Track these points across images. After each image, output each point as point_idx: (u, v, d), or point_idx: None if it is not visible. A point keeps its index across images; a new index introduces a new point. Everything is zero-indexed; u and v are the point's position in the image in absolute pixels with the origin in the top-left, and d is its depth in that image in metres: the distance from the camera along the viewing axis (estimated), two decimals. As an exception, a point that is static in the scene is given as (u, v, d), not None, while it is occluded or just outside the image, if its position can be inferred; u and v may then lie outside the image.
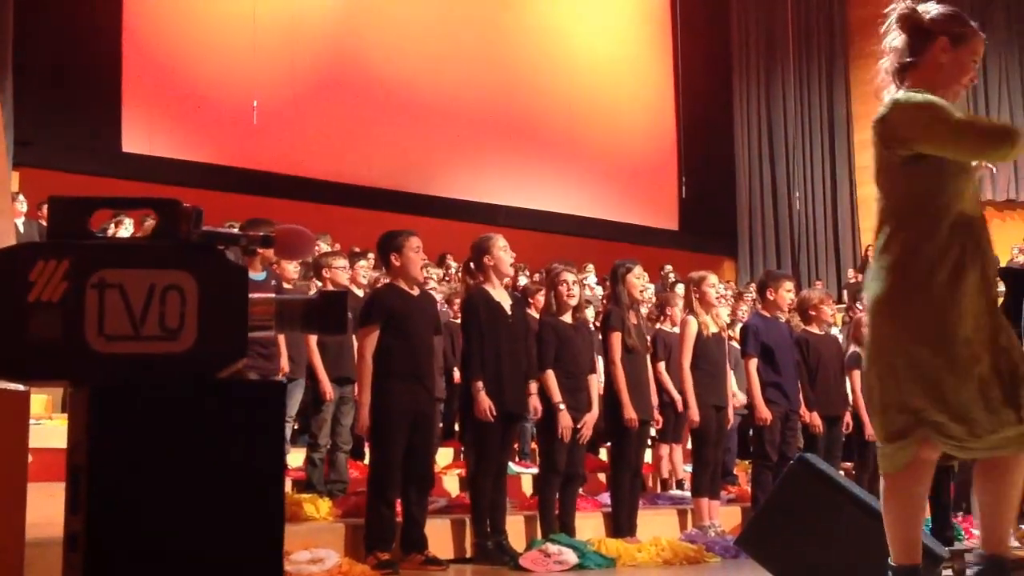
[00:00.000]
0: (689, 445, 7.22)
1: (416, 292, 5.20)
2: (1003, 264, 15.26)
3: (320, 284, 6.72)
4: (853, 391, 7.51)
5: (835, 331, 8.39)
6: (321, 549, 4.66)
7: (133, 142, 12.81)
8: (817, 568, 4.20)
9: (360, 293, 6.60)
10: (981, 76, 18.67)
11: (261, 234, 2.18)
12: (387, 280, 5.40)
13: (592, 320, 7.69)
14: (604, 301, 8.79)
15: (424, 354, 5.09)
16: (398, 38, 15.51)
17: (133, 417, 1.90)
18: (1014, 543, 6.41)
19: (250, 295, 2.04)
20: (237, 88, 13.52)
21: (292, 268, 6.86)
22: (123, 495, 1.87)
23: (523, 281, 10.78)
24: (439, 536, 5.35)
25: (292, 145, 13.96)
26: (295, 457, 6.78)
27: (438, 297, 8.38)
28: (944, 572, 4.57)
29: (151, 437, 1.91)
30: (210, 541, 1.92)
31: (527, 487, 7.10)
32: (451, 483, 6.91)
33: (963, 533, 6.98)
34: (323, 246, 10.75)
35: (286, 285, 6.32)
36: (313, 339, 6.12)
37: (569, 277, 5.80)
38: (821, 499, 4.24)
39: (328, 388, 6.20)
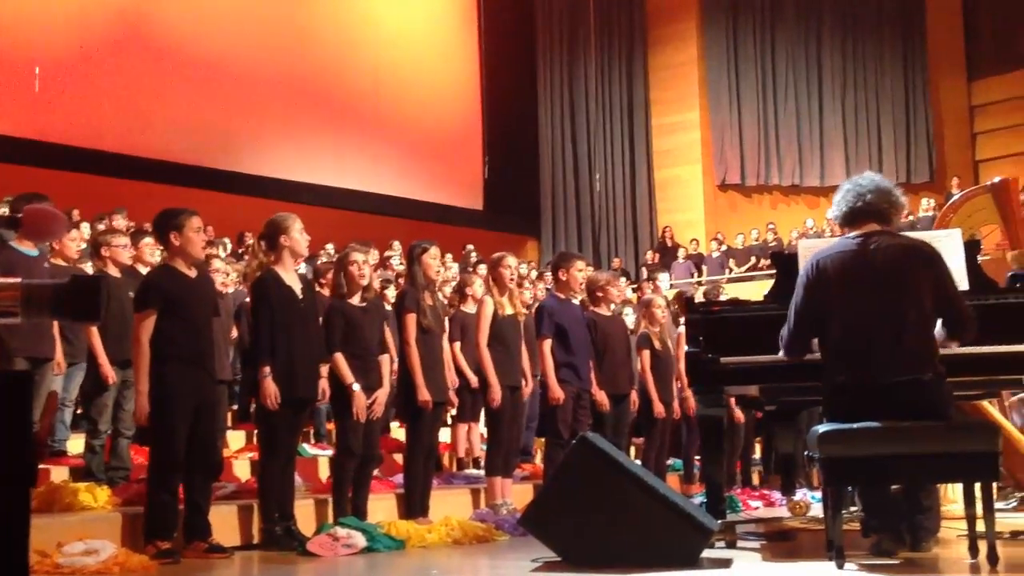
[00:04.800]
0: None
1: (194, 274, 5.03)
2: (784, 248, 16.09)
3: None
4: (643, 370, 7.77)
5: (628, 311, 8.62)
6: (97, 540, 4.48)
7: (-101, 108, 11.93)
8: (598, 545, 4.31)
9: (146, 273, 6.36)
10: (770, 67, 19.63)
11: (6, 215, 2.07)
12: (164, 261, 5.18)
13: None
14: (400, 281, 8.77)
15: (204, 337, 4.94)
16: (197, 2, 14.98)
17: None
18: (786, 513, 6.81)
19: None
20: (16, 52, 12.75)
21: (74, 246, 6.56)
22: None
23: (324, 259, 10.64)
24: (225, 523, 5.22)
25: (80, 115, 13.30)
26: (75, 443, 6.51)
27: (234, 277, 8.18)
28: (717, 543, 4.80)
29: None
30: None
31: (323, 470, 7.02)
32: (242, 468, 6.76)
33: (740, 505, 7.34)
34: (120, 221, 10.30)
35: (62, 263, 6.04)
36: (93, 320, 5.85)
37: (359, 258, 5.74)
38: (601, 478, 4.35)
39: (109, 372, 5.96)
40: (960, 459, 3.91)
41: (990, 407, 6.51)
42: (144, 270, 6.50)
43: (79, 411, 6.82)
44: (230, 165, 15.07)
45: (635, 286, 13.97)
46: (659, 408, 7.71)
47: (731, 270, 17.80)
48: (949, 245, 4.66)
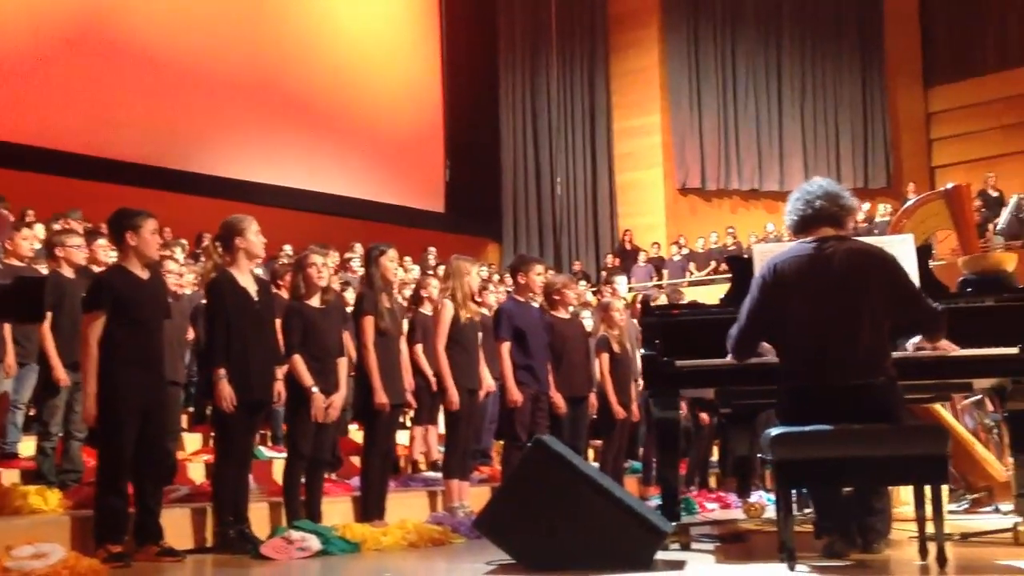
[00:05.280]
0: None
1: (147, 275, 4.97)
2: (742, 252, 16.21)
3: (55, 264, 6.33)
4: (601, 373, 7.79)
5: (586, 314, 8.65)
6: (46, 543, 4.42)
7: None
8: (552, 548, 4.31)
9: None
10: (730, 73, 19.77)
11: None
12: (117, 261, 5.11)
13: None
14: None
15: (155, 339, 4.89)
16: (155, 1, 14.83)
17: None
18: (741, 516, 6.85)
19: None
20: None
21: (27, 245, 6.49)
22: None
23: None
24: (179, 526, 5.18)
25: (35, 114, 13.14)
26: (27, 446, 6.43)
27: (190, 278, 8.11)
28: (672, 545, 4.82)
29: None
30: None
31: (278, 472, 6.97)
32: (197, 470, 6.70)
33: (696, 507, 7.38)
34: (72, 223, 10.18)
35: (16, 263, 5.96)
36: (46, 322, 5.80)
37: (318, 260, 5.72)
38: (555, 480, 4.35)
39: (62, 374, 5.90)
40: (910, 462, 3.95)
41: (942, 410, 6.59)
42: (99, 271, 6.44)
43: (32, 413, 6.74)
44: (187, 165, 14.93)
45: (594, 289, 14.00)
46: (618, 410, 7.73)
47: (692, 273, 17.90)
48: (902, 250, 4.70)
